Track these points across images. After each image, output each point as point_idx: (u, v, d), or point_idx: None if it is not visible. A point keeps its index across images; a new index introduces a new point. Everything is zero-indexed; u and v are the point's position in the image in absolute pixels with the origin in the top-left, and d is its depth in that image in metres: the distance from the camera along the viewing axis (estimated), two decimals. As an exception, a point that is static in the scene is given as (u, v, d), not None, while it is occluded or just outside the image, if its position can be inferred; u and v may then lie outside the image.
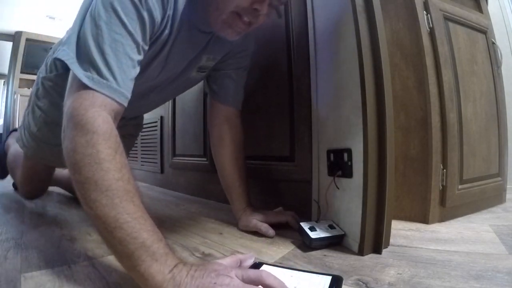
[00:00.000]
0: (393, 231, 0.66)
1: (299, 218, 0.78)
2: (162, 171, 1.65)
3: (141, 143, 1.91)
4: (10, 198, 1.19)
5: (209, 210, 1.06)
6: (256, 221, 0.75)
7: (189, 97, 1.35)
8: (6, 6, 3.31)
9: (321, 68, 0.79)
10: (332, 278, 0.46)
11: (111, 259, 0.54)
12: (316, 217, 0.73)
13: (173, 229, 0.81)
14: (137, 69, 0.51)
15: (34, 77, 3.98)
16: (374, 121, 0.61)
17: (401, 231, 0.77)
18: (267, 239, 0.71)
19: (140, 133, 1.91)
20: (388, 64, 0.65)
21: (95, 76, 0.45)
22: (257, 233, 0.74)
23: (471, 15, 1.04)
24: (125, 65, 0.47)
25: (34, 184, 1.04)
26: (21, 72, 3.92)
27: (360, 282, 0.47)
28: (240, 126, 0.85)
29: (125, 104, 0.48)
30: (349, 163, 0.65)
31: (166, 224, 0.86)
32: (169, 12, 0.55)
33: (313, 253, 0.61)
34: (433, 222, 0.84)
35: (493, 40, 1.11)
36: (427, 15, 0.89)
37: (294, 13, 0.91)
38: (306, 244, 0.64)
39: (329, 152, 0.73)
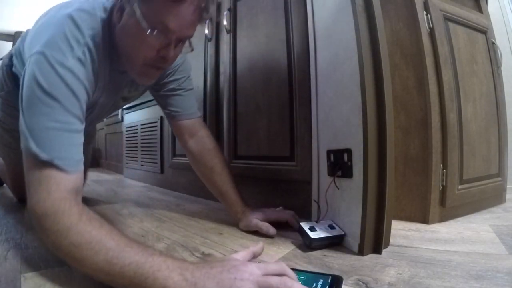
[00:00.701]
0: (393, 231, 0.66)
1: (299, 218, 0.78)
2: (162, 171, 1.65)
3: (141, 143, 1.91)
4: (10, 198, 1.19)
5: (209, 210, 1.06)
6: (257, 220, 0.75)
7: (189, 97, 1.35)
8: (6, 6, 3.31)
9: (321, 68, 0.79)
10: (332, 278, 0.46)
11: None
12: (316, 217, 0.73)
13: (173, 229, 0.81)
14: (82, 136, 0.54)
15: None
16: (374, 121, 0.61)
17: (401, 231, 0.77)
18: (267, 239, 0.71)
19: (140, 133, 1.92)
20: (388, 64, 0.65)
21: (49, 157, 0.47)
22: (257, 232, 0.74)
23: (471, 15, 1.04)
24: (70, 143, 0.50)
25: (23, 187, 1.05)
26: (21, 72, 3.93)
27: (360, 282, 0.47)
28: (208, 130, 0.88)
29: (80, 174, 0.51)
30: (349, 163, 0.65)
31: (166, 224, 0.86)
32: (95, 70, 0.57)
33: (313, 253, 0.61)
34: (433, 222, 0.84)
35: (493, 40, 1.11)
36: (427, 15, 0.89)
37: (294, 13, 0.91)
38: (306, 244, 0.64)
39: (329, 152, 0.73)
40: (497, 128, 1.07)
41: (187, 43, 0.60)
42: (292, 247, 0.65)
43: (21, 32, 3.87)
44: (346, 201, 0.66)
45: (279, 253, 0.61)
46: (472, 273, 0.50)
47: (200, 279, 0.38)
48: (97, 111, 0.73)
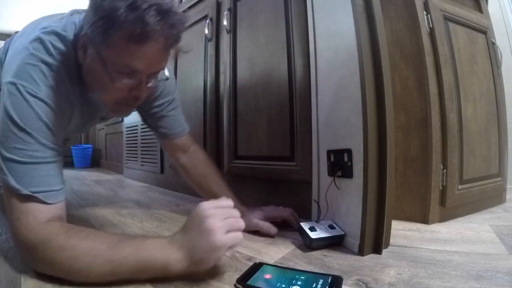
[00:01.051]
0: (393, 231, 0.66)
1: (299, 218, 0.78)
2: (162, 171, 1.65)
3: (141, 143, 1.91)
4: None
5: (209, 210, 1.05)
6: (257, 220, 0.75)
7: (189, 97, 1.35)
8: (6, 6, 3.31)
9: (321, 68, 0.79)
10: (332, 278, 0.46)
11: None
12: (316, 217, 0.73)
13: (173, 229, 0.81)
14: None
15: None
16: (374, 121, 0.61)
17: (401, 231, 0.77)
18: (267, 239, 0.71)
19: (140, 133, 1.92)
20: (388, 64, 0.65)
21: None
22: (257, 232, 0.74)
23: (471, 15, 1.04)
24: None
25: None
26: (21, 72, 3.92)
27: (360, 282, 0.47)
28: (198, 145, 0.88)
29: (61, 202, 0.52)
30: (349, 163, 0.65)
31: (166, 224, 0.86)
32: (69, 95, 0.56)
33: (313, 253, 0.61)
34: (433, 222, 0.84)
35: (493, 40, 1.11)
36: (427, 15, 0.89)
37: (294, 13, 0.91)
38: (306, 244, 0.64)
39: (329, 152, 0.73)
40: (497, 128, 1.07)
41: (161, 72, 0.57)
42: (292, 247, 0.65)
43: (21, 32, 3.88)
44: (346, 201, 0.66)
45: (279, 253, 0.61)
46: (472, 273, 0.50)
47: (188, 242, 0.47)
48: (74, 128, 0.70)
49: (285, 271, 0.49)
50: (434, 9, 0.91)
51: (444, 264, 0.54)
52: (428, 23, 0.89)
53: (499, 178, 1.07)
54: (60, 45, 0.54)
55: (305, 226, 0.66)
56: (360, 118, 0.61)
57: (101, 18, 0.46)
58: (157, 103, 0.78)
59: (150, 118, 0.81)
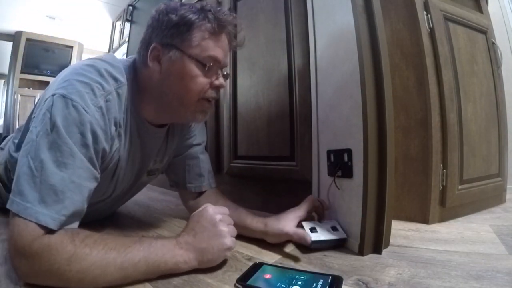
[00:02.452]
0: (393, 231, 0.66)
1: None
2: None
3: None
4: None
5: (209, 210, 1.05)
6: (288, 231, 0.63)
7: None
8: (6, 6, 3.31)
9: (321, 68, 0.79)
10: (332, 278, 0.46)
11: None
12: (316, 217, 0.73)
13: (173, 229, 0.81)
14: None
15: (34, 77, 4.00)
16: (374, 121, 0.61)
17: (401, 231, 0.77)
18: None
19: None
20: (388, 64, 0.65)
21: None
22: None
23: (471, 15, 1.04)
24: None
25: None
26: (21, 72, 3.92)
27: (360, 282, 0.47)
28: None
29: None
30: (349, 163, 0.65)
31: (166, 224, 0.86)
32: (116, 120, 0.55)
33: (313, 253, 0.61)
34: (433, 222, 0.84)
35: (493, 40, 1.11)
36: (427, 15, 0.89)
37: (294, 13, 0.91)
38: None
39: (329, 152, 0.72)
40: (497, 128, 1.07)
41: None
42: (292, 247, 0.65)
43: (21, 32, 3.87)
44: (346, 201, 0.66)
45: (279, 253, 0.62)
46: (472, 273, 0.50)
47: (197, 244, 0.50)
48: (118, 179, 0.66)
49: (285, 271, 0.49)
50: (434, 9, 0.91)
51: (444, 264, 0.54)
52: (428, 23, 0.89)
53: (499, 178, 1.07)
54: (113, 72, 0.55)
55: (306, 226, 0.63)
56: (360, 118, 0.61)
57: (175, 26, 0.55)
58: (192, 133, 0.79)
59: (179, 157, 0.80)
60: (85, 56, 4.40)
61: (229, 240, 0.51)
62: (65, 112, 0.47)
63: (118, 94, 0.54)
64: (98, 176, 0.52)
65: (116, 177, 0.64)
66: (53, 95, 0.48)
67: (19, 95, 3.87)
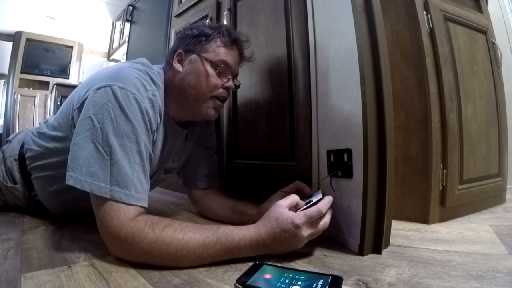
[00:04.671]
0: (393, 231, 0.66)
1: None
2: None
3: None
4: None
5: (209, 210, 1.05)
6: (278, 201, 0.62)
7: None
8: (6, 6, 3.31)
9: (321, 68, 0.79)
10: (332, 278, 0.46)
11: (111, 259, 0.54)
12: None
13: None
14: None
15: (34, 77, 4.00)
16: (374, 121, 0.61)
17: (401, 231, 0.77)
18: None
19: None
20: (388, 64, 0.65)
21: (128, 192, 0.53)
22: None
23: (471, 15, 1.04)
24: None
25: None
26: (21, 72, 3.92)
27: (360, 282, 0.47)
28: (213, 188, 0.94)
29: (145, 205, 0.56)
30: (349, 163, 0.65)
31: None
32: (159, 113, 0.66)
33: (313, 253, 0.61)
34: (433, 222, 0.84)
35: (493, 40, 1.11)
36: (427, 15, 0.89)
37: (294, 13, 0.91)
38: None
39: (329, 152, 0.72)
40: (497, 128, 1.07)
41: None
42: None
43: (21, 32, 3.88)
44: (346, 201, 0.66)
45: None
46: (472, 273, 0.50)
47: (274, 247, 0.54)
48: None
49: (285, 271, 0.49)
50: (434, 9, 0.91)
51: (444, 264, 0.54)
52: (428, 23, 0.89)
53: (499, 178, 1.07)
54: (152, 75, 0.65)
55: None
56: (360, 118, 0.61)
57: (196, 37, 0.72)
58: (207, 138, 0.93)
59: (192, 157, 0.92)
60: (85, 56, 4.40)
61: (302, 244, 0.55)
62: (127, 102, 0.55)
63: (158, 93, 0.64)
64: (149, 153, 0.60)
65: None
66: (110, 86, 0.55)
67: (19, 95, 3.87)
